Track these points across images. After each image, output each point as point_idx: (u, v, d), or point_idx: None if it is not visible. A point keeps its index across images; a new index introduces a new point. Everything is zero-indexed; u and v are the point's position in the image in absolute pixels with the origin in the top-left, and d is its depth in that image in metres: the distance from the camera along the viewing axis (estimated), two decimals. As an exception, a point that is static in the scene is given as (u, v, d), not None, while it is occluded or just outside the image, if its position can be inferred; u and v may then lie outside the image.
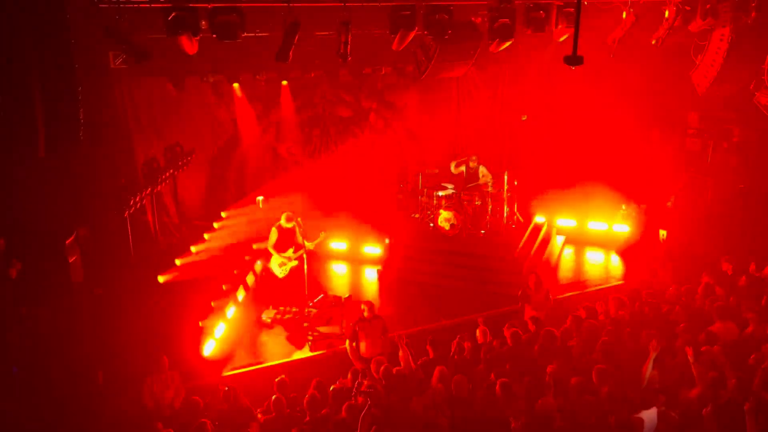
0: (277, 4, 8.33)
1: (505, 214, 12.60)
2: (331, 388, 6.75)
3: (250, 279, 10.95)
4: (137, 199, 10.96)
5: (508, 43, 9.56)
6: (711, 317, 7.32)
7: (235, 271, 11.05)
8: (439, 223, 12.19)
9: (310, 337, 9.49)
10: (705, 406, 5.47)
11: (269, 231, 10.21)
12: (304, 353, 9.30)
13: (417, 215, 13.06)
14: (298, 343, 9.52)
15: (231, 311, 9.89)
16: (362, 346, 8.08)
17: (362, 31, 9.49)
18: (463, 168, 12.70)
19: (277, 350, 9.43)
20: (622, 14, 9.86)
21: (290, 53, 8.48)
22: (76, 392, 7.41)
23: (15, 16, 7.62)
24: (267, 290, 10.75)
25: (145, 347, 8.13)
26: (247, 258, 11.59)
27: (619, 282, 11.59)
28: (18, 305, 8.01)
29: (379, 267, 12.09)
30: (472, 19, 10.08)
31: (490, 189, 12.45)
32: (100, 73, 10.16)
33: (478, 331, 7.73)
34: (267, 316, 10.15)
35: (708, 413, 5.40)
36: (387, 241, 12.39)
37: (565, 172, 15.35)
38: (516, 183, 12.66)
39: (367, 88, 14.72)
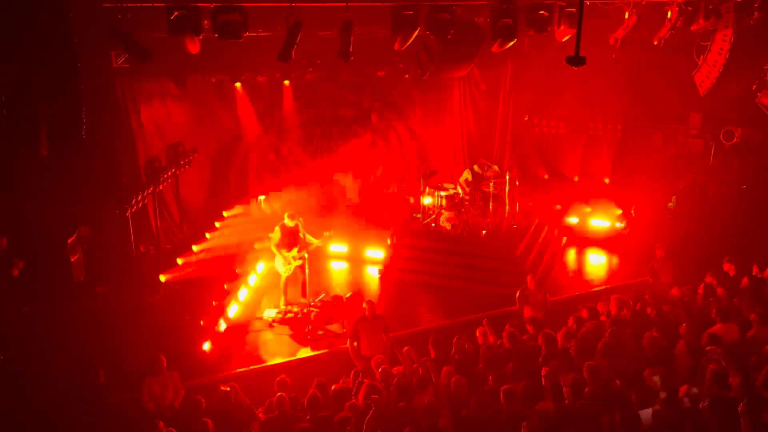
0: (279, 3, 8.34)
1: (506, 214, 12.59)
2: (332, 388, 6.76)
3: (251, 278, 10.98)
4: (139, 198, 10.96)
5: (510, 44, 9.56)
6: (713, 318, 7.31)
7: (237, 270, 11.07)
8: (441, 223, 12.18)
9: (310, 337, 9.51)
10: (705, 406, 5.46)
11: (272, 230, 10.22)
12: (306, 353, 9.30)
13: (419, 215, 13.06)
14: (299, 343, 9.52)
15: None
16: (363, 345, 8.09)
17: (365, 31, 9.49)
18: (469, 175, 12.65)
19: (279, 349, 9.44)
20: (624, 14, 9.86)
21: (292, 53, 8.48)
22: (78, 391, 7.41)
23: (17, 14, 7.63)
24: (269, 289, 10.77)
25: (146, 346, 8.14)
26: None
27: (621, 283, 11.58)
28: (20, 304, 8.01)
29: (381, 267, 12.09)
30: (475, 19, 10.07)
31: (491, 189, 12.45)
32: (102, 72, 10.16)
33: (477, 331, 7.73)
34: (269, 315, 10.16)
35: (708, 414, 5.39)
36: (389, 240, 12.40)
37: (566, 173, 15.39)
38: (517, 183, 12.65)
39: (369, 88, 14.72)
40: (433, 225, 12.46)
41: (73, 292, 9.06)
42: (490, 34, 9.52)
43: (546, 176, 15.80)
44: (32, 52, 7.79)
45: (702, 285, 8.43)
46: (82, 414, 7.09)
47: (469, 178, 12.62)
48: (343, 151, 14.76)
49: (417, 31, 8.94)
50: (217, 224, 13.10)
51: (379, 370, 6.86)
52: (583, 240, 13.33)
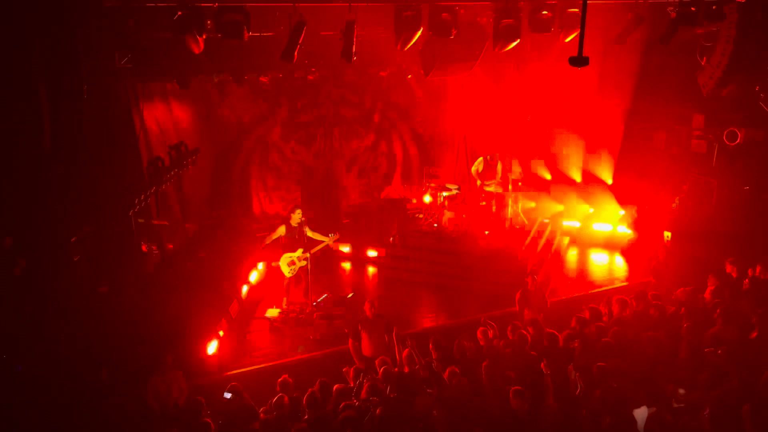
0: (282, 3, 8.36)
1: (509, 215, 12.58)
2: (334, 388, 6.75)
3: (253, 278, 10.99)
4: (142, 198, 10.97)
5: (513, 44, 9.55)
6: (715, 320, 7.30)
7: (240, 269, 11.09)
8: (443, 223, 12.17)
9: (312, 337, 9.52)
10: (705, 406, 5.45)
11: (276, 229, 10.24)
12: (307, 352, 9.31)
13: (421, 215, 13.05)
14: (301, 342, 9.53)
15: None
16: (365, 345, 8.09)
17: (367, 31, 9.49)
18: (480, 165, 12.62)
19: (281, 349, 9.44)
20: (627, 14, 9.85)
21: (295, 53, 8.49)
22: (80, 390, 7.42)
23: (21, 15, 7.66)
24: (271, 289, 10.77)
25: (149, 345, 8.14)
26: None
27: (623, 283, 11.57)
28: (23, 303, 8.03)
29: (383, 267, 12.08)
30: (477, 19, 10.07)
31: (493, 189, 12.44)
32: (105, 72, 10.17)
33: (478, 331, 7.71)
34: (271, 315, 10.17)
35: (707, 414, 5.38)
36: (391, 240, 12.40)
37: (569, 173, 15.37)
38: (520, 184, 12.64)
39: (371, 88, 14.73)
40: (434, 225, 12.46)
41: (76, 291, 9.08)
42: (492, 34, 9.52)
43: (549, 177, 15.78)
44: (36, 52, 7.83)
45: (709, 286, 8.41)
46: (84, 413, 7.10)
47: (480, 168, 12.61)
48: (345, 151, 14.79)
49: (420, 32, 8.94)
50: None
51: (381, 369, 6.86)
52: (585, 242, 13.33)
